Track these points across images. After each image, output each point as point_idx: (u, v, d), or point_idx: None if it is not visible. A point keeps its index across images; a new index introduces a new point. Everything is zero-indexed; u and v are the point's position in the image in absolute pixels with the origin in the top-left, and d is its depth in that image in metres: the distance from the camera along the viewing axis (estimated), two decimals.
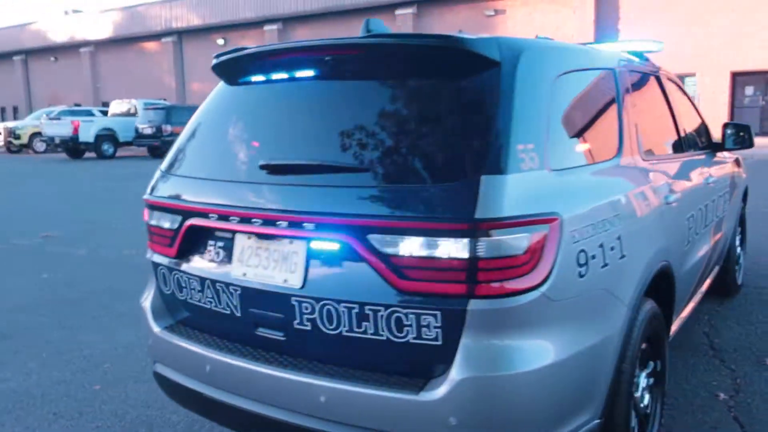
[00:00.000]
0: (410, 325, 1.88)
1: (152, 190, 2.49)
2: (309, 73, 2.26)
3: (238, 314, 2.23)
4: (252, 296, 2.16)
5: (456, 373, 1.81)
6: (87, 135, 23.16)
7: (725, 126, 4.25)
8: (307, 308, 2.03)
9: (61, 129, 23.26)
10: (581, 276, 1.97)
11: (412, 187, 1.89)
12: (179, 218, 2.34)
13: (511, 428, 1.87)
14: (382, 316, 1.90)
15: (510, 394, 1.84)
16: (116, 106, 25.64)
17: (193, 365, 2.32)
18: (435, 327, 1.85)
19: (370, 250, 1.89)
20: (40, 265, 6.78)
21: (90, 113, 25.97)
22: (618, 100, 2.71)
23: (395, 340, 1.90)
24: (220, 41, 35.63)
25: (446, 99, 2.01)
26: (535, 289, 1.83)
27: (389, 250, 1.87)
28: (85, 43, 41.57)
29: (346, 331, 1.97)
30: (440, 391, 1.82)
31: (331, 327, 2.00)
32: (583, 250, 1.98)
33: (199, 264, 2.33)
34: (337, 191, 1.99)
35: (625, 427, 2.30)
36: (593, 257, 2.03)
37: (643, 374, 2.58)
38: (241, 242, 2.19)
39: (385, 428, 1.90)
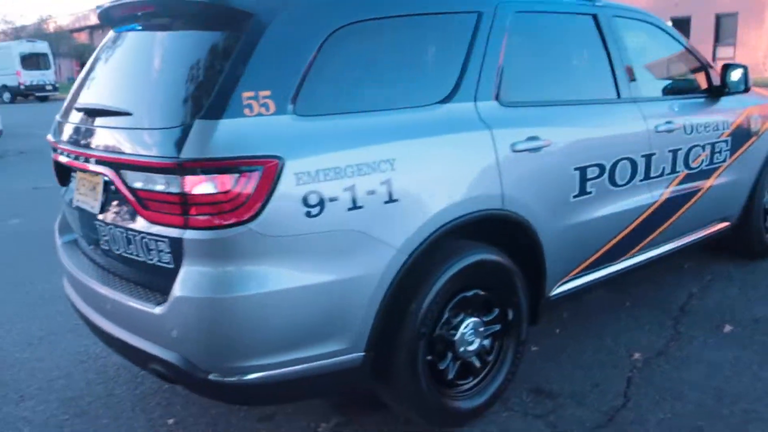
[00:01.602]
0: (153, 250, 2.19)
1: (51, 132, 2.99)
2: (126, 24, 2.60)
3: (81, 233, 2.70)
4: (84, 218, 2.61)
5: (174, 292, 2.10)
6: None
7: (723, 68, 3.81)
8: (102, 230, 2.44)
9: None
10: (310, 216, 2.11)
11: (153, 130, 2.16)
12: (52, 154, 2.83)
13: (230, 344, 2.12)
14: (138, 240, 2.24)
15: (222, 314, 2.08)
16: None
17: (68, 278, 2.83)
18: (167, 252, 2.15)
19: (124, 184, 2.23)
20: None
21: None
22: (472, 44, 2.67)
23: (148, 261, 2.23)
24: None
25: (200, 50, 2.24)
26: (242, 224, 2.03)
27: (135, 185, 2.19)
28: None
29: (124, 252, 2.34)
30: (164, 306, 2.12)
31: (115, 247, 2.38)
32: (314, 191, 2.11)
33: (67, 191, 2.82)
34: (110, 132, 2.36)
35: (410, 367, 2.41)
36: (333, 199, 2.15)
37: (471, 319, 2.62)
38: (76, 174, 2.64)
39: (142, 335, 2.25)
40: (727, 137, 3.86)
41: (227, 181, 2.02)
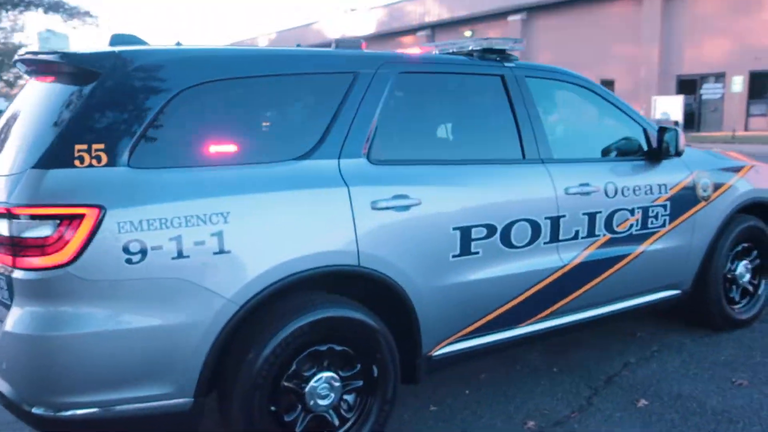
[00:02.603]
0: (2, 288, 2.36)
1: None
2: (28, 74, 2.81)
3: None
4: None
5: (4, 326, 2.26)
6: None
7: (659, 131, 3.71)
8: None
9: None
10: (131, 263, 2.24)
11: (3, 176, 2.36)
12: None
13: (50, 380, 2.25)
14: None
15: (42, 351, 2.23)
16: None
17: None
18: (5, 289, 2.32)
19: None
20: None
21: None
22: (342, 104, 2.76)
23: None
24: (468, 33, 36.50)
25: (56, 102, 2.45)
26: (61, 268, 2.18)
27: None
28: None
29: None
30: None
31: None
32: (136, 240, 2.24)
33: None
34: None
35: (245, 415, 2.46)
36: (156, 248, 2.26)
37: (325, 373, 2.64)
38: None
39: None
40: (665, 202, 3.72)
41: (49, 227, 2.18)
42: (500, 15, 34.39)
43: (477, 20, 36.21)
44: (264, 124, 2.69)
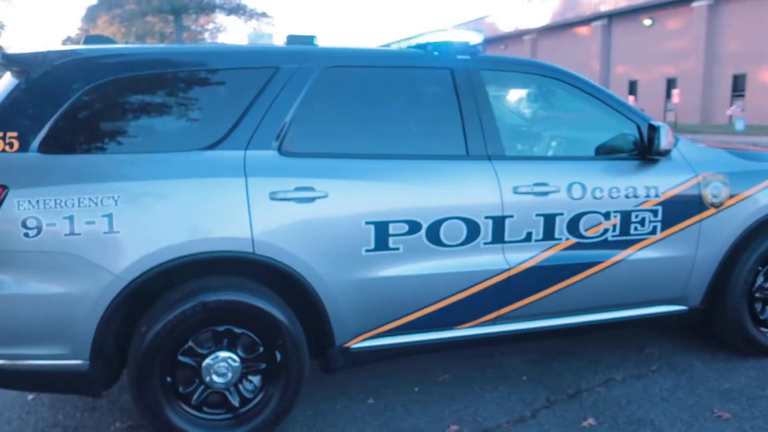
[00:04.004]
0: None
1: None
2: None
3: None
4: None
5: None
6: None
7: (649, 128, 3.34)
8: None
9: None
10: (28, 236, 2.56)
11: None
12: None
13: None
14: None
15: None
16: None
17: None
18: None
19: None
20: None
21: None
22: (256, 98, 2.87)
23: None
24: (647, 22, 34.05)
25: None
26: None
27: None
28: (528, 32, 44.68)
29: None
30: None
31: None
32: (33, 217, 2.55)
33: None
34: None
35: (140, 382, 2.69)
36: (51, 224, 2.56)
37: (224, 353, 2.79)
38: None
39: None
40: (655, 206, 3.35)
41: None
42: (683, 1, 31.60)
43: (657, 8, 33.59)
44: (172, 117, 2.89)
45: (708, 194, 3.45)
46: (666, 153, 3.32)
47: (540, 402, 3.27)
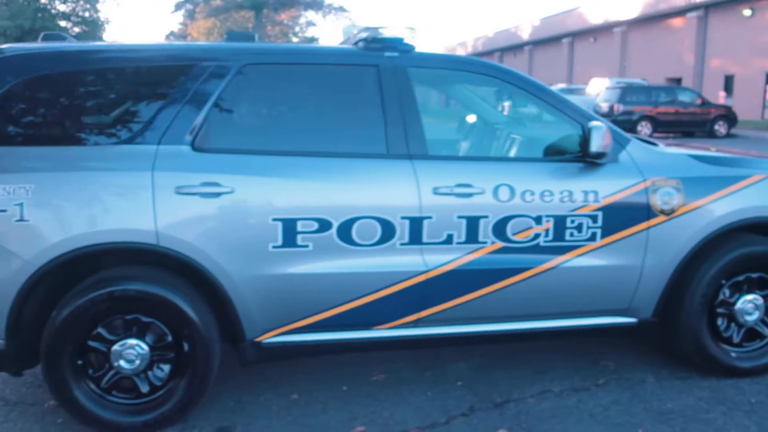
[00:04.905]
0: None
1: None
2: None
3: None
4: None
5: None
6: None
7: (588, 129, 3.16)
8: None
9: None
10: None
11: None
12: None
13: None
14: None
15: None
16: (593, 86, 26.54)
17: None
18: None
19: None
20: None
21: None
22: (171, 94, 2.95)
23: None
24: (747, 12, 31.87)
25: None
26: None
27: None
28: (618, 24, 42.88)
29: None
30: None
31: None
32: None
33: None
34: None
35: (51, 362, 2.84)
36: None
37: (131, 340, 2.90)
38: None
39: None
40: (594, 212, 3.17)
41: None
42: None
43: None
44: (92, 112, 3.01)
45: (657, 200, 3.24)
46: (600, 156, 3.13)
47: (461, 409, 3.19)
